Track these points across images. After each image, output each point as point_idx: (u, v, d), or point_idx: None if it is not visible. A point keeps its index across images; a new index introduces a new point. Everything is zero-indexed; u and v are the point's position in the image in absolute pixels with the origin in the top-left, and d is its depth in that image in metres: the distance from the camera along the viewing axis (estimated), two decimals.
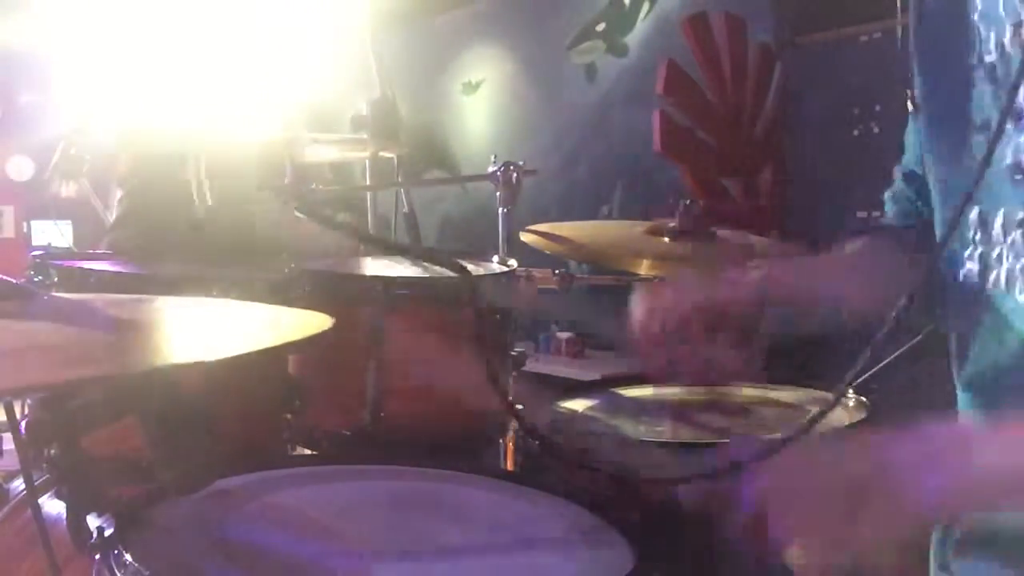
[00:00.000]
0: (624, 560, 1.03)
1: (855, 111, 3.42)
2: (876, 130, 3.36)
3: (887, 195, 1.26)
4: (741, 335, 1.11)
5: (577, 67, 4.78)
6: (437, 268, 1.80)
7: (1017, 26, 0.90)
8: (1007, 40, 0.92)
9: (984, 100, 0.96)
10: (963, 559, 1.00)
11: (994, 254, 0.96)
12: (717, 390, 1.81)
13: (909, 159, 1.20)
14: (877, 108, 3.34)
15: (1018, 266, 0.94)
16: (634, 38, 4.51)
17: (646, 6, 4.45)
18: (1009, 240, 0.94)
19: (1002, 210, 0.95)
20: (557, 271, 2.14)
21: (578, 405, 1.73)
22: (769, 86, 3.69)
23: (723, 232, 1.93)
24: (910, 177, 1.21)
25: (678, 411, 1.75)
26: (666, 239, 1.79)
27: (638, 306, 1.14)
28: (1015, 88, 0.85)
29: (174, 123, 2.48)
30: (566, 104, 4.82)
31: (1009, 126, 0.93)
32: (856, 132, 3.42)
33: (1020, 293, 0.93)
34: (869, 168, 3.30)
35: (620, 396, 1.81)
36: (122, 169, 2.63)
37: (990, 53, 0.94)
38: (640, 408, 1.73)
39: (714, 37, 3.61)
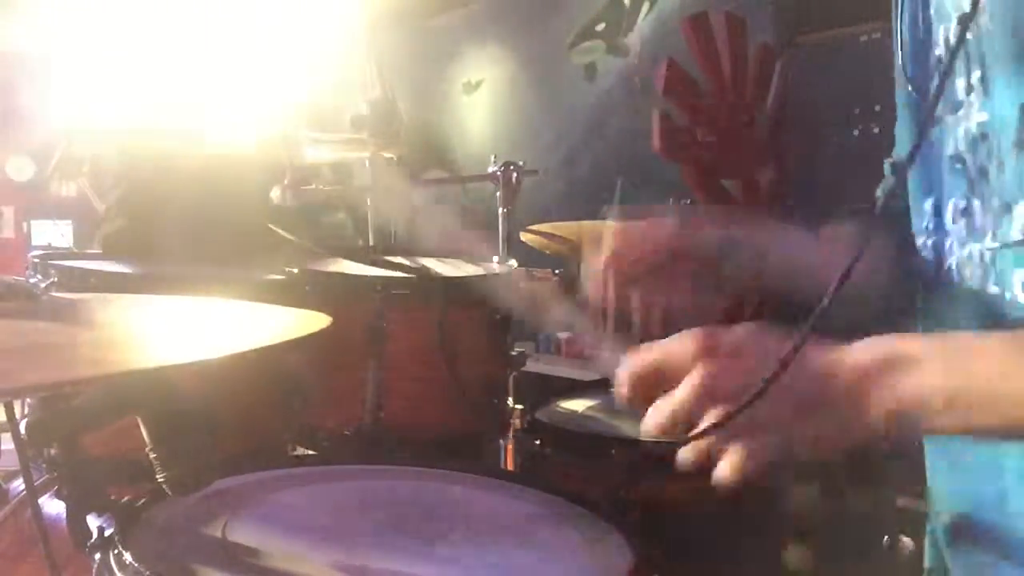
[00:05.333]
0: (624, 560, 1.04)
1: (855, 111, 3.42)
2: (876, 130, 3.35)
3: (878, 191, 1.27)
4: (698, 287, 1.09)
5: (577, 67, 4.78)
6: (438, 268, 1.80)
7: (962, 18, 0.92)
8: (951, 34, 0.94)
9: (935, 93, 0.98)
10: (955, 548, 1.00)
11: (947, 243, 0.98)
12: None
13: (898, 151, 1.22)
14: (877, 108, 3.34)
15: (964, 253, 0.95)
16: (634, 38, 4.51)
17: (646, 6, 4.45)
18: (956, 229, 0.96)
19: (951, 200, 0.97)
20: (557, 271, 2.14)
21: (578, 405, 1.73)
22: (769, 86, 3.68)
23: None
24: (895, 167, 1.23)
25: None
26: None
27: (598, 249, 1.07)
28: (944, 75, 0.86)
29: (171, 123, 2.48)
30: (566, 104, 4.82)
31: (950, 117, 0.95)
32: (856, 132, 3.41)
33: (968, 281, 0.95)
34: (869, 168, 3.30)
35: None
36: (112, 165, 2.63)
37: (938, 47, 0.97)
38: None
39: (714, 37, 3.61)
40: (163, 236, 2.33)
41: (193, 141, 2.40)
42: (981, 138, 0.92)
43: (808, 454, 0.77)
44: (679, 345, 0.81)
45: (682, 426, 0.79)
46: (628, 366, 0.84)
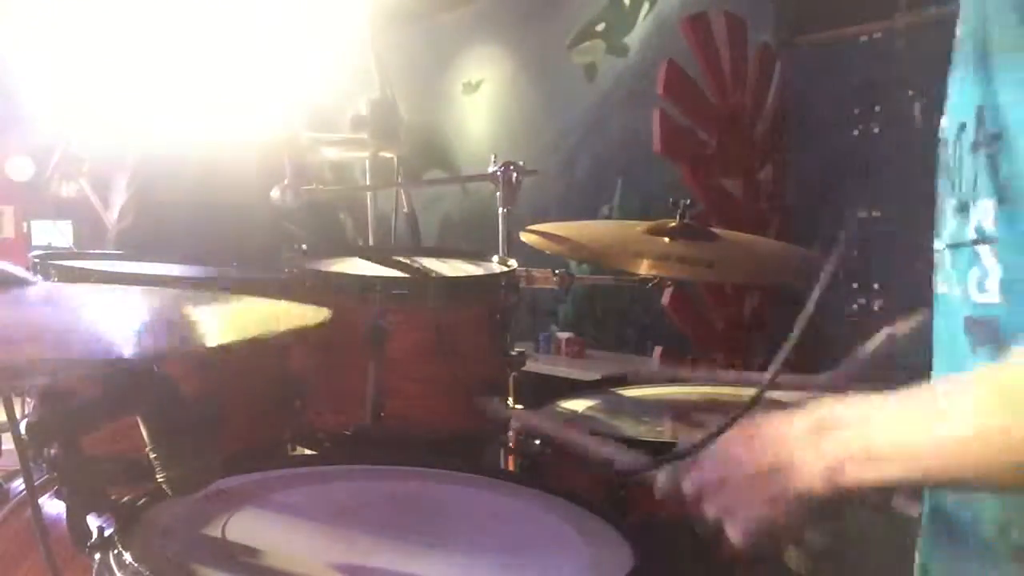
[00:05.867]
0: (624, 560, 1.04)
1: (855, 111, 3.42)
2: (876, 130, 3.35)
3: None
4: None
5: (577, 67, 4.78)
6: (436, 268, 1.80)
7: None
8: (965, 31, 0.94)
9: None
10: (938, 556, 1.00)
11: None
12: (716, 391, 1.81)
13: None
14: (877, 108, 3.34)
15: (935, 258, 0.96)
16: (634, 38, 4.51)
17: (646, 6, 4.45)
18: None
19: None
20: (557, 271, 2.14)
21: (578, 405, 1.73)
22: (769, 86, 3.68)
23: (723, 232, 1.93)
24: None
25: (678, 411, 1.75)
26: (666, 239, 1.79)
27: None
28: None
29: (175, 124, 2.49)
30: (566, 104, 4.82)
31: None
32: (856, 132, 3.41)
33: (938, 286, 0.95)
34: (869, 168, 3.30)
35: (620, 396, 1.81)
36: (119, 164, 2.65)
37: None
38: (640, 408, 1.73)
39: (714, 37, 3.61)
40: (170, 233, 2.34)
41: (195, 141, 2.40)
42: (942, 143, 0.93)
43: (774, 516, 0.88)
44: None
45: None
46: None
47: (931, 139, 0.97)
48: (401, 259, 1.83)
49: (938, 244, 0.94)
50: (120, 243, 2.54)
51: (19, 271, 0.99)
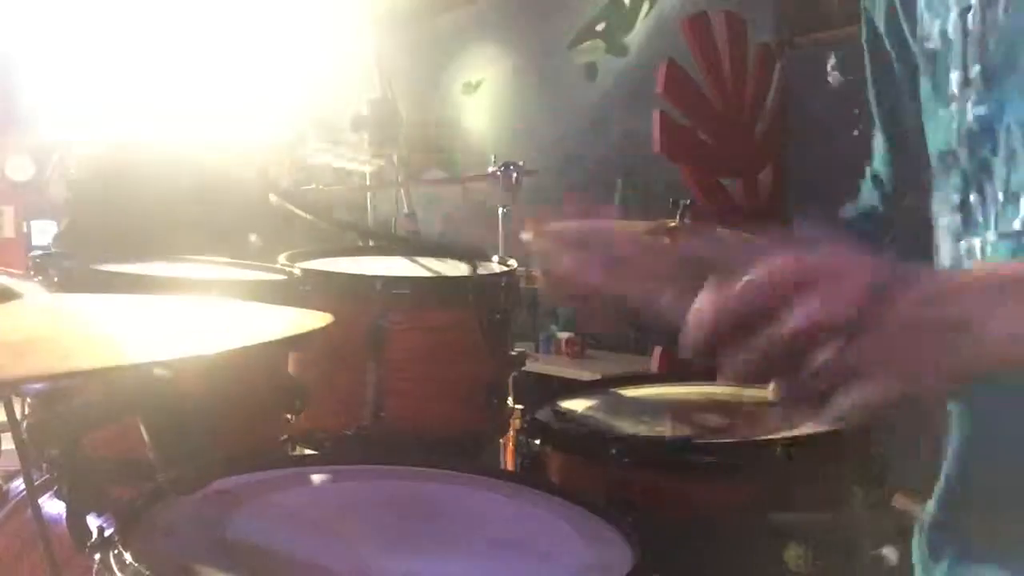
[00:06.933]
0: (624, 560, 1.04)
1: (855, 111, 3.42)
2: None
3: (854, 208, 1.28)
4: None
5: (577, 67, 4.78)
6: (436, 268, 1.81)
7: (964, 11, 0.92)
8: (950, 27, 0.93)
9: (927, 88, 0.98)
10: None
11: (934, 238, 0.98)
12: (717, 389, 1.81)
13: (876, 161, 1.23)
14: None
15: (962, 247, 0.96)
16: (634, 38, 4.51)
17: (646, 6, 4.45)
18: (949, 223, 0.96)
19: (941, 195, 0.97)
20: None
21: (578, 405, 1.73)
22: (769, 86, 3.68)
23: (723, 232, 1.93)
24: (875, 180, 1.24)
25: (678, 411, 1.75)
26: (666, 239, 1.79)
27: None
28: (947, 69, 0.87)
29: (171, 122, 2.49)
30: (566, 104, 4.82)
31: (942, 111, 0.95)
32: (856, 132, 3.41)
33: None
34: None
35: (620, 396, 1.81)
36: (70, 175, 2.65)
37: (931, 40, 0.96)
38: (640, 408, 1.73)
39: (714, 37, 3.61)
40: (105, 235, 2.33)
41: (193, 140, 2.41)
42: (981, 132, 0.92)
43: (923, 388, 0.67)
44: (762, 277, 0.68)
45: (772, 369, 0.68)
46: (708, 303, 0.70)
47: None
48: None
49: (975, 237, 0.94)
50: (59, 245, 2.52)
51: (17, 280, 0.99)
